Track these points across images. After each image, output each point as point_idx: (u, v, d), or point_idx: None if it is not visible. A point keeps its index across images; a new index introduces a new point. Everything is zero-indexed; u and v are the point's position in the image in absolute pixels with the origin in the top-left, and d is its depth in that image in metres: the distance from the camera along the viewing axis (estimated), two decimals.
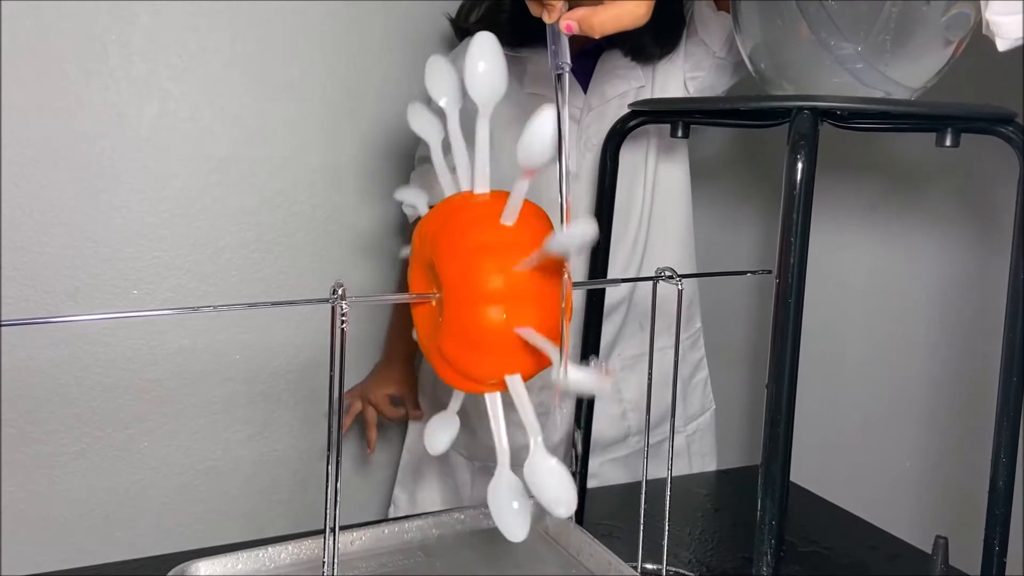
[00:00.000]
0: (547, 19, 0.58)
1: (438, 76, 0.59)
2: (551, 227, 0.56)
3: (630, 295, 1.02)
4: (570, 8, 0.57)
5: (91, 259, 1.11)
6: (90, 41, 1.06)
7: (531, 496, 0.53)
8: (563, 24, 0.56)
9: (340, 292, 0.53)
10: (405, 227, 1.28)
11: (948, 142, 0.67)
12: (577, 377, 0.51)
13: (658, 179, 1.01)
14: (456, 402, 0.61)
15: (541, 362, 0.55)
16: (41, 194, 1.07)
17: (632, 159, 0.98)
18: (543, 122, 0.48)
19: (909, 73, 0.67)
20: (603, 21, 0.57)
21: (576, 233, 0.48)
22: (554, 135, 0.49)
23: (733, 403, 1.28)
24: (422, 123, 0.61)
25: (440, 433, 0.59)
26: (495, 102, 0.56)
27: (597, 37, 0.57)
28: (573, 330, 0.88)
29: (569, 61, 0.55)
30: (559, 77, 0.55)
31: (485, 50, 0.55)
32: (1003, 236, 0.94)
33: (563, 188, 0.53)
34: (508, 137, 0.55)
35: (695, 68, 0.96)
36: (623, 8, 0.57)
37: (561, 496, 0.52)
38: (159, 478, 1.18)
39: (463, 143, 0.59)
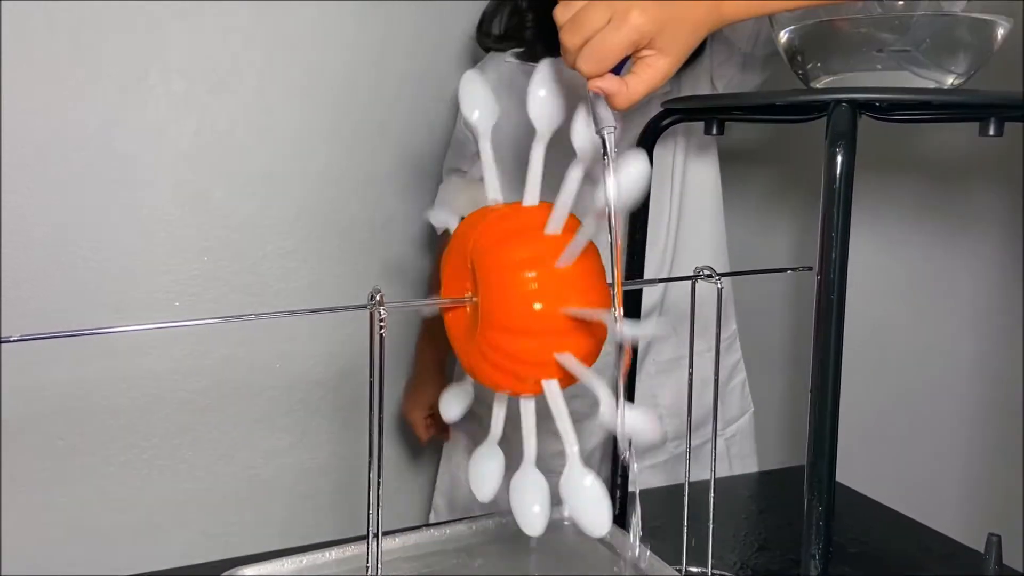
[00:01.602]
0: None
1: (472, 91, 0.58)
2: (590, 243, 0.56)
3: (662, 299, 1.01)
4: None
5: (134, 272, 1.13)
6: (129, 61, 1.08)
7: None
8: (592, 88, 0.55)
9: (378, 298, 0.53)
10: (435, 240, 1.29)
11: (991, 131, 0.65)
12: (631, 419, 0.51)
13: (687, 179, 0.99)
14: (497, 427, 0.60)
15: (583, 355, 0.54)
16: (85, 212, 1.09)
17: (659, 161, 0.97)
18: (640, 171, 0.50)
19: (950, 62, 0.66)
20: (632, 97, 0.56)
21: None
22: (645, 187, 0.50)
23: (770, 405, 1.26)
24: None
25: (486, 470, 0.59)
26: (553, 128, 0.55)
27: (625, 110, 0.56)
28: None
29: (615, 124, 0.54)
30: (604, 138, 0.54)
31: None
32: None
33: (614, 245, 0.52)
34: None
35: (721, 66, 0.94)
36: (654, 75, 0.56)
37: (597, 519, 0.51)
38: (203, 487, 1.20)
39: (492, 161, 0.58)
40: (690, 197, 0.99)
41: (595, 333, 0.54)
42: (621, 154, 0.51)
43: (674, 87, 0.96)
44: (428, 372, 1.21)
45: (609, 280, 0.55)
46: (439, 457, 1.24)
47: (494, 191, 0.58)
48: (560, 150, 0.56)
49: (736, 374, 1.09)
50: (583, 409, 0.99)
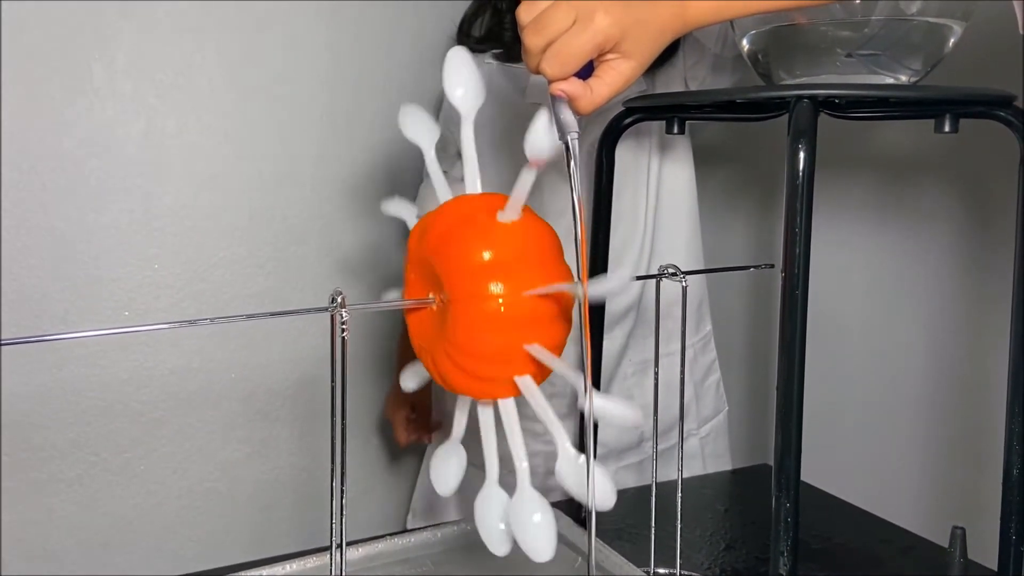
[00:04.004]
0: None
1: (458, 67, 0.59)
2: (546, 226, 0.55)
3: (639, 300, 1.01)
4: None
5: (81, 281, 1.09)
6: (73, 60, 1.05)
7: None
8: (554, 91, 0.55)
9: (339, 300, 0.52)
10: (400, 240, 1.27)
11: (947, 127, 0.66)
12: (605, 406, 0.50)
13: (662, 180, 0.99)
14: (460, 426, 0.60)
15: (553, 343, 0.54)
16: (28, 216, 1.05)
17: (635, 162, 0.97)
18: (542, 123, 0.53)
19: (908, 62, 0.67)
20: (596, 101, 0.55)
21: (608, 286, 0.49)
22: (552, 132, 0.52)
23: (732, 403, 1.27)
24: (415, 127, 0.61)
25: (447, 466, 0.58)
26: (476, 109, 0.57)
27: (588, 114, 0.56)
28: (574, 338, 0.87)
29: (578, 129, 0.54)
30: (568, 144, 0.54)
31: (459, 67, 0.57)
32: (1003, 224, 0.94)
33: (578, 248, 0.51)
34: (514, 145, 0.54)
35: (693, 68, 0.95)
36: (617, 79, 0.56)
37: (542, 547, 0.51)
38: (158, 502, 1.16)
39: (473, 150, 0.58)
40: (666, 198, 1.00)
41: (562, 315, 0.53)
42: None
43: (648, 88, 0.96)
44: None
45: (576, 279, 0.54)
46: (419, 461, 1.23)
47: (472, 185, 0.57)
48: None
49: (711, 373, 1.10)
50: (560, 410, 0.98)
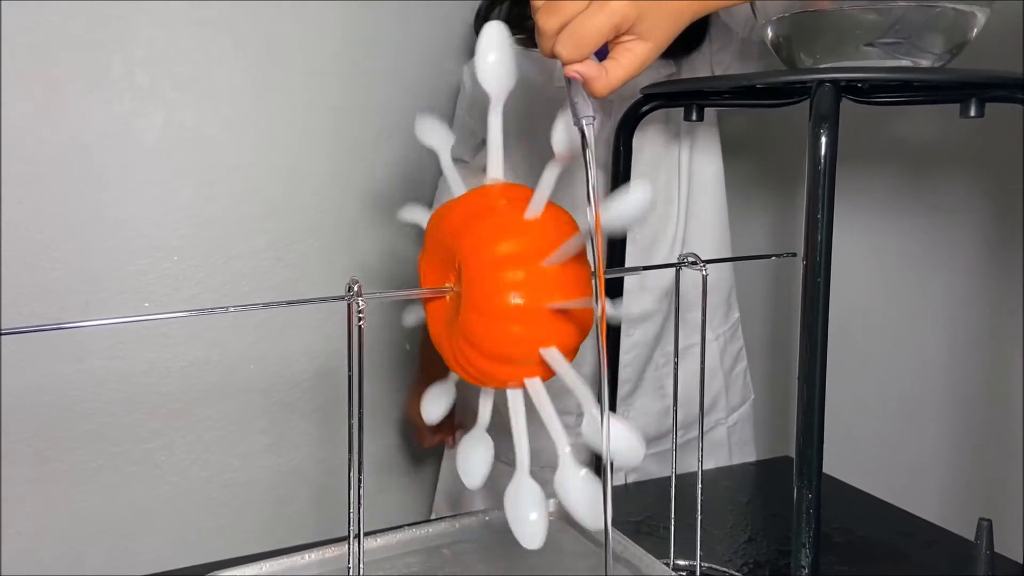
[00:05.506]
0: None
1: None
2: (571, 222, 0.55)
3: (672, 290, 1.00)
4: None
5: (101, 274, 1.10)
6: (92, 54, 1.06)
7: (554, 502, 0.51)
8: (569, 73, 0.54)
9: (356, 289, 0.52)
10: (418, 234, 1.27)
11: (973, 112, 0.65)
12: (615, 435, 0.49)
13: (693, 170, 0.98)
14: (485, 414, 0.58)
15: (575, 339, 0.53)
16: (48, 210, 1.06)
17: (665, 152, 0.96)
18: (639, 197, 0.47)
19: (932, 49, 0.66)
20: (611, 83, 0.55)
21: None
22: (646, 209, 0.48)
23: (756, 395, 1.26)
24: (431, 135, 0.60)
25: (474, 457, 0.57)
26: (507, 92, 0.54)
27: (603, 97, 0.55)
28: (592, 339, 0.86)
29: (592, 113, 0.52)
30: (583, 129, 0.52)
31: (495, 42, 0.54)
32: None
33: (594, 238, 0.50)
34: (541, 131, 0.53)
35: (720, 51, 0.94)
36: (633, 61, 0.55)
37: (592, 513, 0.50)
38: (177, 492, 1.17)
39: (499, 134, 0.57)
40: (697, 189, 0.99)
41: (579, 319, 0.53)
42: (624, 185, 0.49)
43: (676, 74, 0.95)
44: (434, 370, 1.20)
45: (591, 270, 0.54)
46: (440, 459, 1.22)
47: (496, 171, 0.56)
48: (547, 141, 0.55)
49: (739, 362, 1.09)
50: (579, 411, 0.97)
